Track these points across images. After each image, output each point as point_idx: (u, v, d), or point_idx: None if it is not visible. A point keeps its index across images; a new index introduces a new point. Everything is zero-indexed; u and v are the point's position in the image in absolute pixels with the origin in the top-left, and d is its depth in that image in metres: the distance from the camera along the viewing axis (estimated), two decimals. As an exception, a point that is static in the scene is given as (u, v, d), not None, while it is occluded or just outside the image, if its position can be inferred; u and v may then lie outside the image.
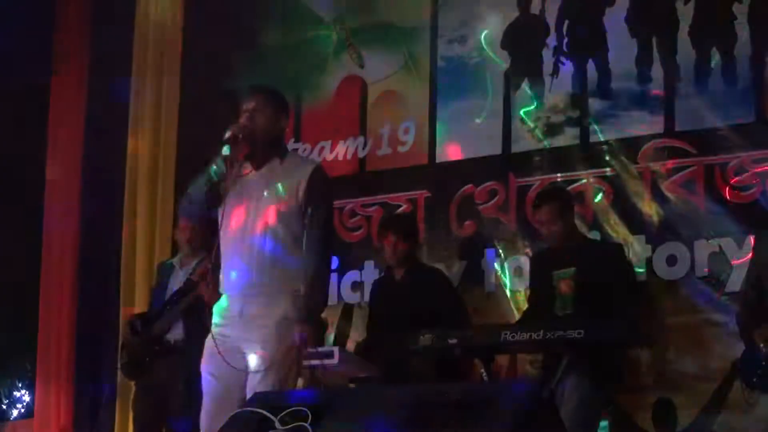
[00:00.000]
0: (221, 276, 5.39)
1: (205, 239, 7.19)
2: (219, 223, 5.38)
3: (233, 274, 5.31)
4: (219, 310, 5.33)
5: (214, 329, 5.29)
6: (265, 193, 5.31)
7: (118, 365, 7.65)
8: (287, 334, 5.14)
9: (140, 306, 8.08)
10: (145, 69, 9.36)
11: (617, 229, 7.46)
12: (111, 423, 8.60)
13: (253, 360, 5.18)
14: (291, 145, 8.29)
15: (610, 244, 7.10)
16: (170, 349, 7.17)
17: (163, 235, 8.95)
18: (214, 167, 5.27)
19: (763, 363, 5.84)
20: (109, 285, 9.11)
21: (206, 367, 5.30)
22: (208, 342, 5.30)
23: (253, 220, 5.29)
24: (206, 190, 5.32)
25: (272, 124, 5.35)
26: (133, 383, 7.67)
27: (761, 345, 5.86)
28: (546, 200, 6.72)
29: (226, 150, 5.19)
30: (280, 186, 5.30)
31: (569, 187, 7.52)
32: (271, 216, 5.26)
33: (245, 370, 5.19)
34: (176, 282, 7.39)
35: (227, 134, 5.19)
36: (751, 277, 6.34)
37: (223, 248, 5.36)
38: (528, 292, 7.17)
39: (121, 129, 9.30)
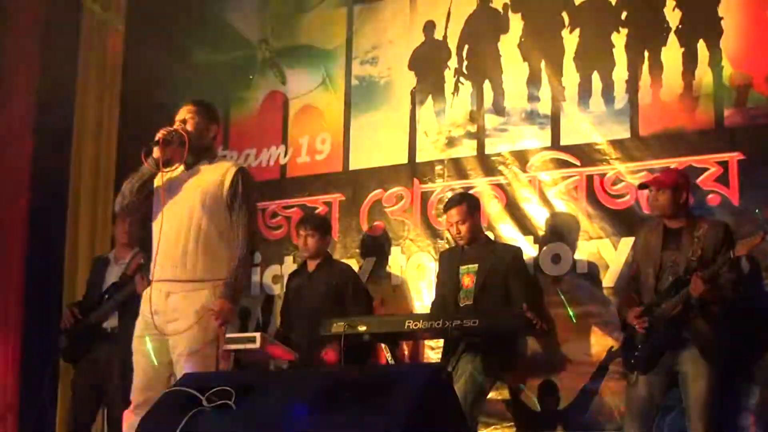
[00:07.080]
0: (151, 265, 5.55)
1: (139, 235, 7.42)
2: (152, 216, 5.59)
3: (161, 264, 5.48)
4: (147, 297, 5.49)
5: (141, 315, 5.50)
6: (193, 191, 5.51)
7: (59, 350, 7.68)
8: (208, 322, 5.35)
9: (81, 296, 8.03)
10: (90, 83, 9.47)
11: (509, 231, 7.66)
12: (54, 403, 8.67)
13: (176, 345, 5.39)
14: (219, 151, 8.28)
15: (510, 246, 7.26)
16: (107, 337, 7.33)
17: (104, 231, 9.05)
18: (146, 166, 5.51)
19: (639, 346, 6.16)
20: (53, 277, 9.10)
21: (136, 347, 5.51)
22: (138, 325, 5.54)
23: (181, 215, 5.48)
24: (137, 186, 5.55)
25: (202, 131, 5.65)
26: (72, 366, 7.75)
27: (635, 324, 6.15)
28: (455, 203, 7.05)
29: (156, 151, 5.46)
30: (206, 184, 5.52)
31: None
32: (197, 211, 5.47)
33: (169, 354, 5.42)
34: (111, 275, 7.53)
35: (157, 136, 5.46)
36: (624, 273, 6.85)
37: (154, 240, 5.51)
38: (435, 284, 7.38)
39: (67, 135, 9.37)
